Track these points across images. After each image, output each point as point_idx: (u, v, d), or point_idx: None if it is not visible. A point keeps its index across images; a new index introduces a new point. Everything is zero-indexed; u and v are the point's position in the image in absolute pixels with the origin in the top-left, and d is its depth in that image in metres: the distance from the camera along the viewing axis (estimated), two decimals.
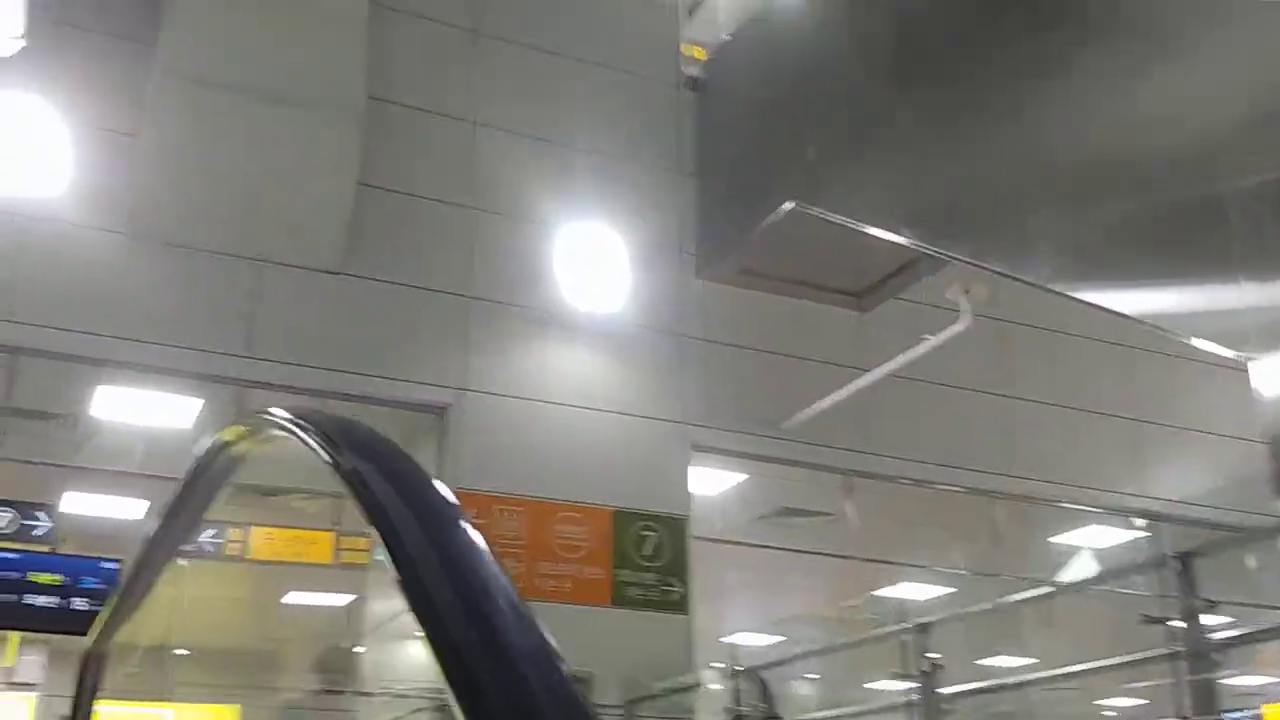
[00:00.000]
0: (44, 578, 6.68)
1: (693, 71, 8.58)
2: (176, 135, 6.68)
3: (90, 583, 6.80)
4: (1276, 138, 4.63)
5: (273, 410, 1.16)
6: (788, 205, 6.99)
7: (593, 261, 7.56)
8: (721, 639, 10.50)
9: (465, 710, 0.71)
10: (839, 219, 6.73)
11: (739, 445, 7.94)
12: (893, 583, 10.51)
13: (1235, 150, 4.97)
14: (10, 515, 6.61)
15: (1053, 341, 9.09)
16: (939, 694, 4.71)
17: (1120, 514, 9.14)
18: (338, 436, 0.99)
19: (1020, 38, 5.68)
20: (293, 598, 11.65)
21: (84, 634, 2.34)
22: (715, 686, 6.05)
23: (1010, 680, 5.57)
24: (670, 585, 7.31)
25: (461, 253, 7.47)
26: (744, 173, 8.02)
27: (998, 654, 9.59)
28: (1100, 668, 4.55)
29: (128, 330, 6.54)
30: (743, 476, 8.56)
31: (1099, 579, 8.49)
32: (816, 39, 7.33)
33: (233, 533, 8.50)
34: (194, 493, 1.62)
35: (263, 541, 8.66)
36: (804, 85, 7.34)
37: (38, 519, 6.70)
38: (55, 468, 7.60)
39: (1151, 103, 5.42)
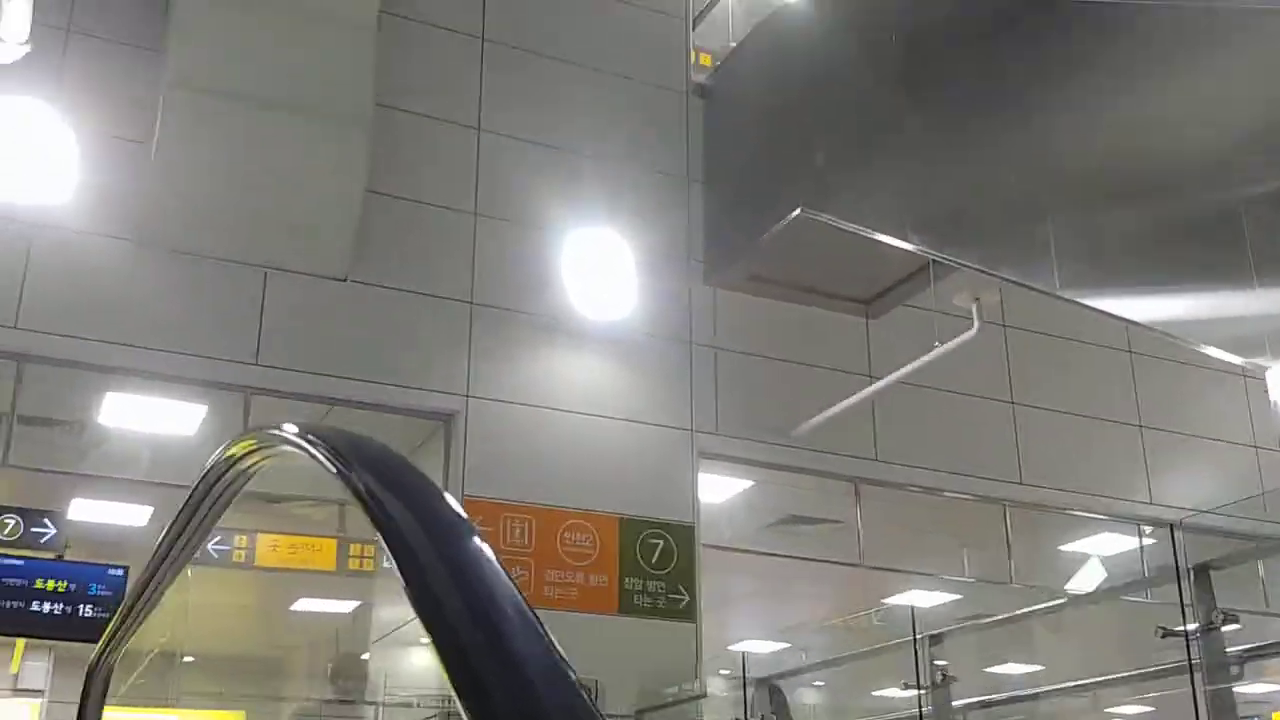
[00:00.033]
0: (50, 585, 6.67)
1: (701, 78, 8.58)
2: (184, 143, 6.68)
3: (96, 590, 6.80)
4: None
5: (284, 425, 1.14)
6: (796, 212, 6.97)
7: (600, 268, 7.54)
8: (729, 647, 10.47)
9: (472, 718, 0.71)
10: (848, 225, 6.71)
11: (747, 452, 7.92)
12: (901, 590, 10.46)
13: (1248, 157, 4.94)
14: (16, 522, 6.60)
15: (1064, 349, 9.06)
16: (950, 705, 4.67)
17: (1130, 521, 9.10)
18: (348, 453, 0.97)
19: (1030, 45, 5.66)
20: (298, 605, 11.64)
21: (89, 641, 2.33)
22: (722, 694, 6.03)
23: (1024, 692, 5.53)
24: (677, 593, 7.28)
25: (469, 259, 7.46)
26: (752, 179, 8.00)
27: (1006, 662, 9.55)
28: (1116, 679, 4.51)
29: (134, 337, 6.54)
30: (750, 484, 8.53)
31: (1112, 590, 8.45)
32: (825, 46, 7.32)
33: (239, 539, 8.49)
34: (200, 509, 1.61)
35: (268, 548, 8.65)
36: (812, 92, 7.32)
37: (44, 526, 6.69)
38: (62, 475, 7.60)
39: (1162, 109, 5.39)
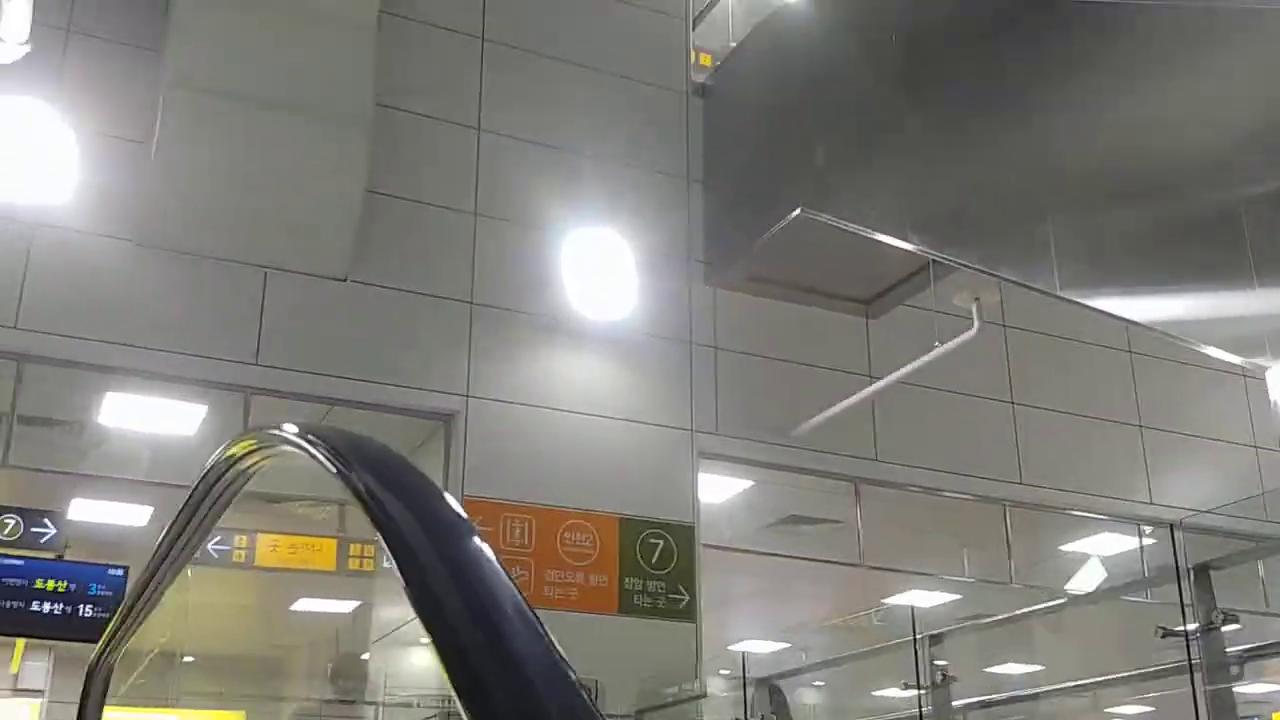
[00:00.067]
0: (50, 585, 6.67)
1: (701, 78, 8.58)
2: (184, 143, 6.68)
3: (96, 590, 6.79)
4: None
5: (283, 425, 1.14)
6: (796, 212, 6.97)
7: (600, 268, 7.54)
8: (729, 647, 10.46)
9: (472, 718, 0.71)
10: (848, 226, 6.71)
11: (747, 452, 7.92)
12: (901, 590, 10.46)
13: (1248, 157, 4.94)
14: (16, 522, 6.60)
15: (1064, 349, 9.06)
16: (950, 705, 4.67)
17: (1130, 521, 9.10)
18: (349, 453, 0.97)
19: (1030, 45, 5.66)
20: (298, 605, 11.64)
21: (89, 641, 2.33)
22: (722, 694, 6.03)
23: (1024, 692, 5.53)
24: (677, 593, 7.28)
25: (469, 259, 7.46)
26: (752, 179, 8.00)
27: (1006, 662, 9.55)
28: (1116, 679, 4.51)
29: (134, 337, 6.54)
30: (750, 484, 8.53)
31: (1112, 590, 8.45)
32: (825, 46, 7.32)
33: (239, 539, 8.49)
34: (200, 510, 1.61)
35: (268, 548, 8.65)
36: (812, 92, 7.32)
37: (44, 526, 6.68)
38: (62, 475, 7.60)
39: (1162, 109, 5.39)
